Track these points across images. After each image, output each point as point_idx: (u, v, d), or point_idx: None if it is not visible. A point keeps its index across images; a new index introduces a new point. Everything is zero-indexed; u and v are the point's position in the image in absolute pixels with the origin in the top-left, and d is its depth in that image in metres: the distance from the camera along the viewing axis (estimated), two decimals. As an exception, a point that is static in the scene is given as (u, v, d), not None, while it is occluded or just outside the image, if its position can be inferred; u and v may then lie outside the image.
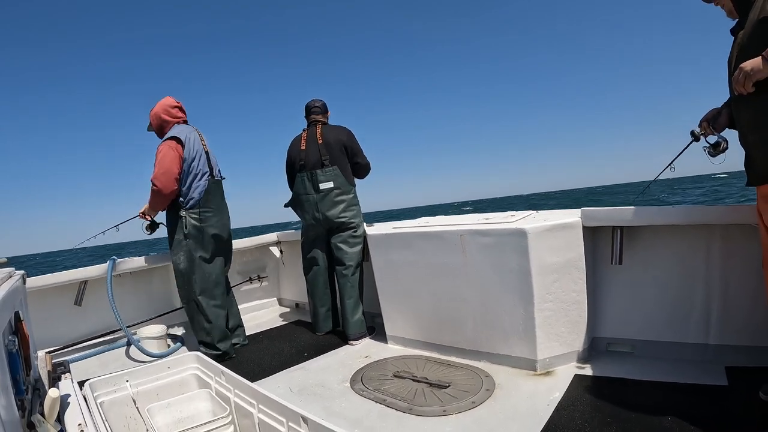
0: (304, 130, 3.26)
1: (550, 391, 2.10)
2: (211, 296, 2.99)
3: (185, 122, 3.15)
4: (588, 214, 2.32)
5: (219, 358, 2.88)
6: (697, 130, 1.93)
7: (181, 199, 2.93)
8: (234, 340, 3.17)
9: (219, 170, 3.17)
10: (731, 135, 1.85)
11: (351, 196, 3.15)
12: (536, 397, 2.06)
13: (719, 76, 1.80)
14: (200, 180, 2.96)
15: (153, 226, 3.22)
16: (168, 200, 2.94)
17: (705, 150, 1.92)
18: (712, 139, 1.90)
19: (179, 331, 3.61)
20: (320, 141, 3.12)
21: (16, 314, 1.60)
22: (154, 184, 2.86)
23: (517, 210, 2.86)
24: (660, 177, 2.35)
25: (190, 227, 2.92)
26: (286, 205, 3.38)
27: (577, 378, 2.20)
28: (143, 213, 3.15)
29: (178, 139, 2.90)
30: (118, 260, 3.32)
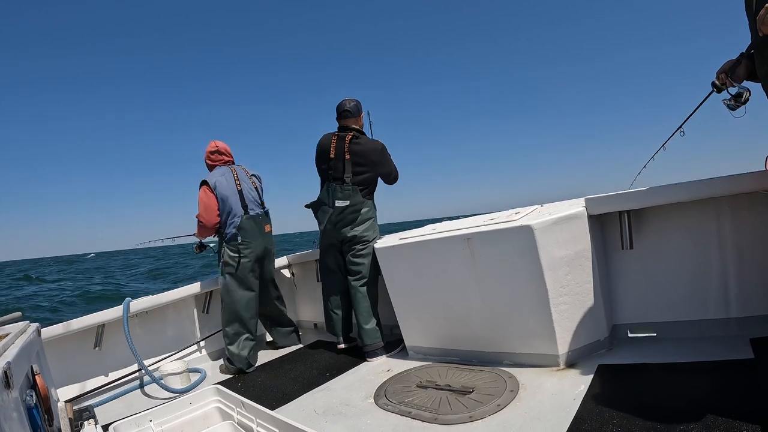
0: (334, 135, 3.15)
1: (574, 385, 2.07)
2: (237, 320, 3.30)
3: (226, 163, 3.47)
4: (592, 202, 2.29)
5: (237, 373, 3.25)
6: (717, 81, 1.84)
7: (222, 231, 3.33)
8: (287, 341, 3.70)
9: (259, 203, 3.41)
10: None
11: (366, 209, 3.12)
12: (562, 393, 2.03)
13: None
14: (234, 218, 3.28)
15: (201, 247, 3.63)
16: (212, 231, 3.37)
17: (725, 103, 1.84)
18: (733, 90, 1.82)
19: (200, 363, 3.61)
20: (347, 157, 3.06)
21: (32, 368, 1.61)
22: (199, 220, 3.31)
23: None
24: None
25: (227, 257, 3.28)
26: (307, 206, 3.35)
27: (602, 368, 2.17)
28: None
29: (206, 183, 3.30)
30: (132, 301, 3.35)
